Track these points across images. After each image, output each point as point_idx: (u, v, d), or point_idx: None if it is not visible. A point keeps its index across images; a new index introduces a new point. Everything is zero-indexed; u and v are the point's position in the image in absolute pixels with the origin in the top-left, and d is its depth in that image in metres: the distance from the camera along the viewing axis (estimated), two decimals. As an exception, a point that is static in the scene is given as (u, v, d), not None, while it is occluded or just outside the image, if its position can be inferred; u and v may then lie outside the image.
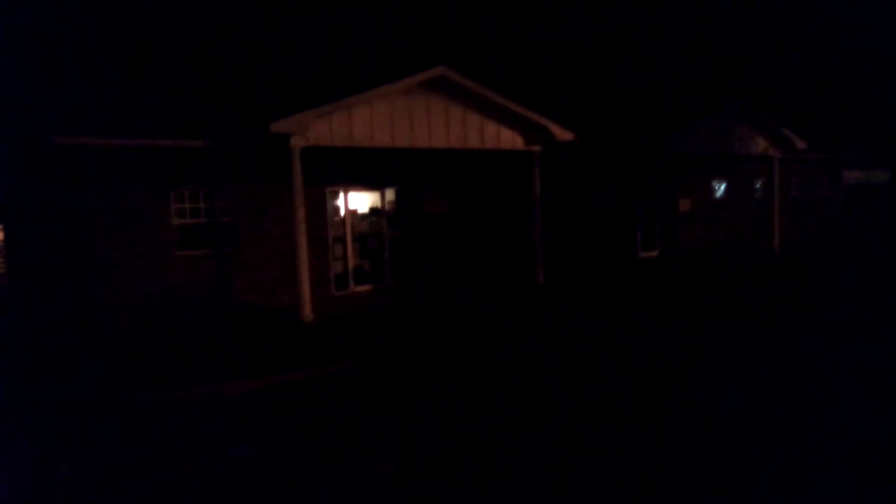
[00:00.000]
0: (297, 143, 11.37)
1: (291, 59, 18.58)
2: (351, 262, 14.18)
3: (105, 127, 11.43)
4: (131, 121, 12.03)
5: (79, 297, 12.49)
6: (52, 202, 13.28)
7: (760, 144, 19.35)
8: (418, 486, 5.10)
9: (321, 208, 13.47)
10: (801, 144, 19.42)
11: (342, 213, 14.03)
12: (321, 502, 4.91)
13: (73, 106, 12.69)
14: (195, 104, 13.86)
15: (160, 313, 11.75)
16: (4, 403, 7.94)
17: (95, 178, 11.24)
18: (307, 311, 11.77)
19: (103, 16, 17.05)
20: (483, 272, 15.75)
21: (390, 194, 14.65)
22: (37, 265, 13.82)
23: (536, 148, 14.32)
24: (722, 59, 29.86)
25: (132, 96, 13.79)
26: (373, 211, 14.59)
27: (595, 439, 5.87)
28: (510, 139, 13.98)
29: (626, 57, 26.92)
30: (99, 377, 8.77)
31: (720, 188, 20.42)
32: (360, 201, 14.43)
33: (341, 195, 13.99)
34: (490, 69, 15.45)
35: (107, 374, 8.95)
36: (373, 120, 12.17)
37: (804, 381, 7.39)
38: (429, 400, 7.42)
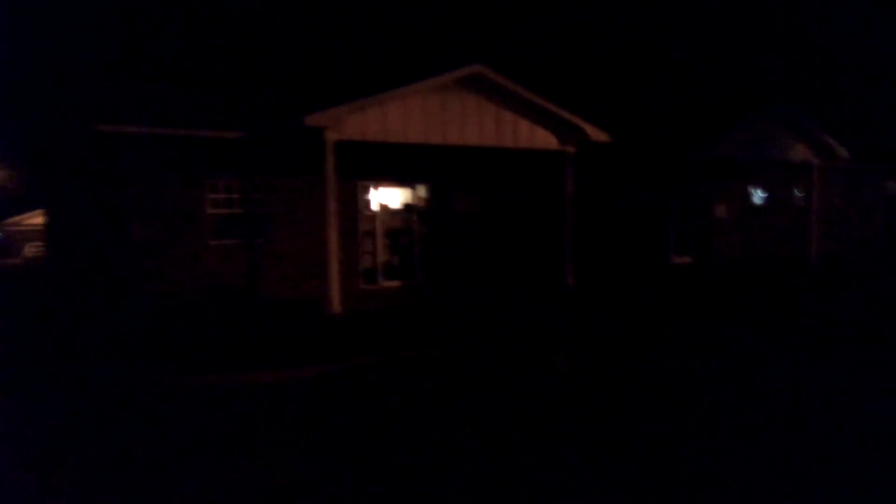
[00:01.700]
0: (331, 136, 11.45)
1: (326, 53, 18.74)
2: (380, 257, 14.24)
3: (146, 116, 11.66)
4: (171, 111, 12.25)
5: (114, 282, 12.76)
6: (93, 190, 13.59)
7: (800, 151, 18.92)
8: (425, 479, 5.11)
9: (352, 203, 13.56)
10: (842, 153, 18.94)
11: (373, 207, 14.11)
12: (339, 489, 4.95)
13: (116, 96, 12.98)
14: (232, 96, 14.06)
15: (192, 301, 11.94)
16: (42, 384, 8.16)
17: (134, 166, 11.48)
18: (335, 305, 11.85)
19: (146, 9, 17.42)
20: (512, 272, 15.68)
21: (421, 191, 14.68)
22: (75, 250, 14.18)
23: (570, 148, 14.21)
24: (763, 65, 29.31)
25: (172, 88, 14.05)
26: (404, 207, 14.63)
27: (590, 436, 5.82)
28: (543, 139, 13.89)
29: (664, 59, 26.58)
30: (132, 361, 8.96)
31: (757, 195, 20.01)
32: (391, 197, 14.48)
33: (372, 190, 14.06)
34: (523, 69, 15.39)
35: (140, 358, 9.14)
36: (407, 116, 12.20)
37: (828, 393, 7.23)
38: (453, 399, 7.42)
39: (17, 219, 40.16)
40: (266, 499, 4.79)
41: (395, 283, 14.42)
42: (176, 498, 4.83)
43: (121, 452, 5.80)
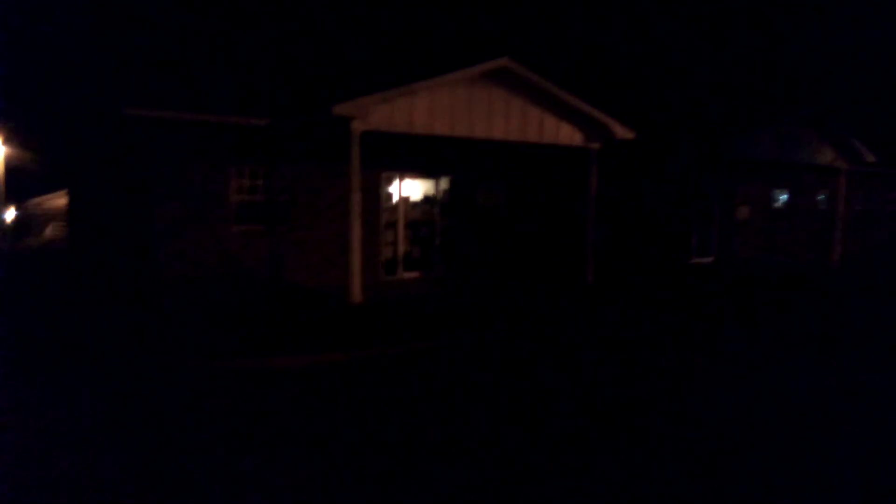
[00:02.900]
0: (357, 126, 11.44)
1: (354, 43, 18.72)
2: (401, 248, 14.25)
3: (173, 101, 11.71)
4: (199, 96, 12.30)
5: (137, 265, 12.86)
6: (117, 172, 13.69)
7: (826, 155, 18.71)
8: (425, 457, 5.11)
9: (375, 193, 13.57)
10: (870, 157, 18.72)
11: (395, 199, 14.11)
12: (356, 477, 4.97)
13: (143, 80, 13.05)
14: (260, 84, 14.10)
15: (214, 285, 12.01)
16: (66, 367, 8.24)
17: (161, 150, 11.54)
18: (356, 294, 11.87)
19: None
20: (532, 267, 15.65)
21: (444, 183, 14.66)
22: (98, 233, 14.29)
23: (595, 145, 14.13)
24: (792, 68, 28.96)
25: (200, 73, 14.10)
26: (426, 199, 14.63)
27: (596, 430, 5.79)
28: (569, 135, 13.82)
29: (692, 59, 26.33)
30: (154, 345, 9.02)
31: (780, 197, 19.83)
32: (413, 189, 14.48)
33: (396, 181, 14.06)
34: (550, 65, 15.29)
35: (162, 341, 9.21)
36: (433, 108, 12.17)
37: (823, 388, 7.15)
38: (470, 388, 7.42)
39: (38, 200, 40.55)
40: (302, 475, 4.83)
41: (414, 275, 14.43)
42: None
43: (159, 436, 5.84)
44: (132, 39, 15.59)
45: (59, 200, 33.71)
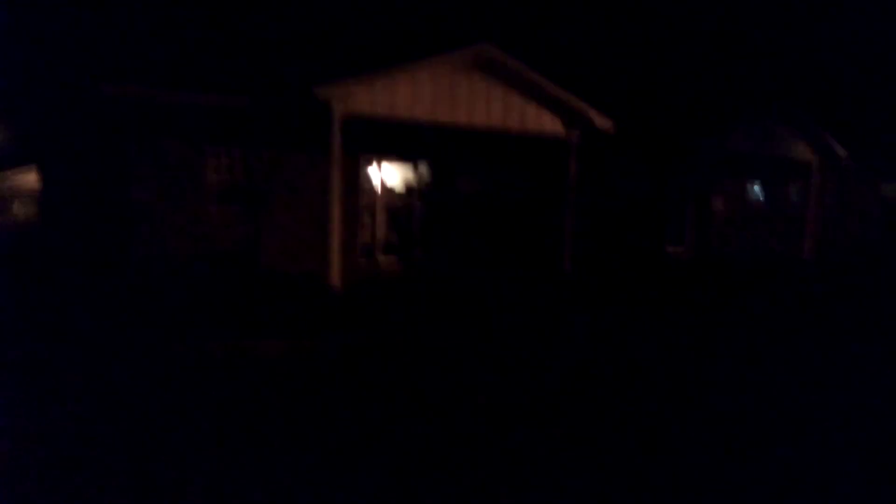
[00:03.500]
0: (338, 109, 11.36)
1: (336, 24, 18.51)
2: (380, 233, 14.22)
3: (150, 79, 11.51)
4: (175, 76, 12.09)
5: (111, 245, 12.67)
6: (92, 151, 13.43)
7: (800, 149, 19.04)
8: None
9: (354, 177, 13.50)
10: (841, 152, 19.07)
11: (375, 183, 14.06)
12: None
13: (119, 58, 12.79)
14: (240, 64, 13.89)
15: (191, 267, 11.89)
16: (35, 348, 8.12)
17: (137, 128, 11.36)
18: (334, 279, 11.85)
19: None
20: (510, 255, 15.73)
21: (423, 169, 14.63)
22: (70, 211, 14.03)
23: (575, 135, 14.19)
24: (766, 62, 29.31)
25: (177, 53, 13.85)
26: (406, 185, 14.59)
27: (570, 409, 5.90)
28: (549, 124, 13.86)
29: (670, 52, 26.50)
30: (123, 326, 8.92)
31: (755, 190, 20.13)
32: (393, 174, 14.43)
33: (375, 166, 14.00)
34: (533, 54, 15.28)
35: (131, 323, 9.10)
36: (416, 92, 12.13)
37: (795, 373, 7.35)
38: (441, 374, 7.48)
39: (6, 174, 39.57)
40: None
41: (392, 259, 14.42)
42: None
43: (145, 420, 5.80)
44: (110, 15, 15.25)
45: (27, 176, 32.90)
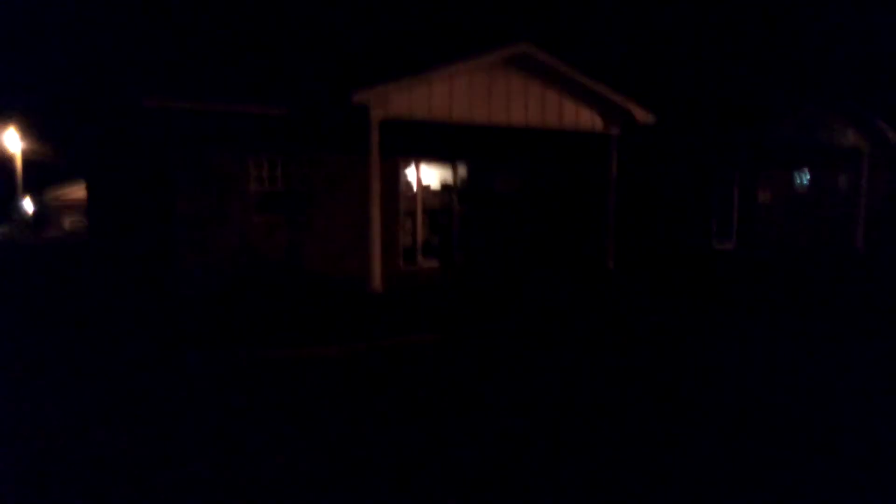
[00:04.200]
0: (376, 114, 11.37)
1: (372, 30, 18.60)
2: (420, 237, 14.20)
3: (192, 91, 11.70)
4: (217, 87, 12.27)
5: (157, 256, 12.92)
6: (136, 163, 13.72)
7: (850, 137, 18.39)
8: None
9: (394, 181, 13.51)
10: (894, 138, 18.37)
11: (413, 186, 14.04)
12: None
13: (162, 72, 13.03)
14: (278, 73, 14.05)
15: (235, 275, 12.03)
16: (81, 358, 8.29)
17: (180, 140, 11.54)
18: (376, 283, 11.85)
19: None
20: (552, 253, 15.54)
21: (462, 170, 14.56)
22: (117, 224, 14.35)
23: (615, 130, 13.95)
24: (813, 50, 28.45)
25: (217, 63, 14.06)
26: (444, 186, 14.53)
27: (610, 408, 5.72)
28: (589, 120, 13.65)
29: (711, 43, 25.93)
30: (173, 335, 9.06)
31: (803, 181, 19.52)
32: (431, 176, 14.39)
33: (413, 169, 13.99)
34: (568, 49, 15.09)
35: (181, 332, 9.24)
36: (452, 94, 12.07)
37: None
38: (492, 377, 7.38)
39: (57, 192, 40.85)
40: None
41: (433, 263, 14.38)
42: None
43: (165, 428, 5.86)
44: (150, 30, 15.58)
45: (77, 192, 33.91)
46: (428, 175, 14.30)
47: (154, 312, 10.72)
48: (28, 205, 39.76)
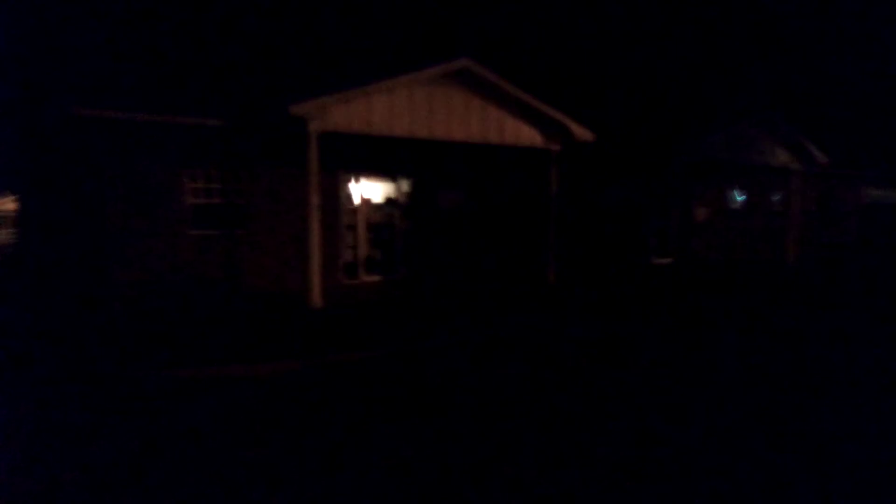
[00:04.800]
0: (315, 127, 11.28)
1: (311, 42, 18.49)
2: (362, 252, 14.08)
3: (125, 101, 11.38)
4: (151, 97, 11.97)
5: (90, 270, 12.45)
6: (68, 175, 13.23)
7: (780, 156, 19.16)
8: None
9: (335, 195, 13.39)
10: (822, 159, 19.21)
11: (356, 201, 13.93)
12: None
13: (93, 81, 12.64)
14: (214, 84, 13.80)
15: (170, 291, 11.69)
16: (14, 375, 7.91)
17: (112, 152, 11.20)
18: (316, 298, 11.69)
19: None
20: (494, 268, 15.63)
21: (405, 185, 14.54)
22: (49, 238, 13.80)
23: (555, 147, 14.19)
24: (746, 70, 29.60)
25: (152, 74, 13.73)
26: (386, 201, 14.48)
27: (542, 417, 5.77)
28: (529, 136, 13.85)
29: (649, 61, 26.70)
30: (107, 354, 8.72)
31: (737, 198, 20.20)
32: (374, 191, 14.32)
33: (355, 183, 13.89)
34: (510, 66, 15.30)
35: (115, 350, 8.90)
36: (392, 108, 12.07)
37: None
38: (434, 393, 7.33)
39: (-13, 203, 39.10)
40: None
41: (376, 278, 14.27)
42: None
43: (112, 446, 5.61)
44: (83, 38, 15.11)
45: (7, 205, 32.53)
46: (370, 189, 14.23)
47: (79, 328, 10.30)
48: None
